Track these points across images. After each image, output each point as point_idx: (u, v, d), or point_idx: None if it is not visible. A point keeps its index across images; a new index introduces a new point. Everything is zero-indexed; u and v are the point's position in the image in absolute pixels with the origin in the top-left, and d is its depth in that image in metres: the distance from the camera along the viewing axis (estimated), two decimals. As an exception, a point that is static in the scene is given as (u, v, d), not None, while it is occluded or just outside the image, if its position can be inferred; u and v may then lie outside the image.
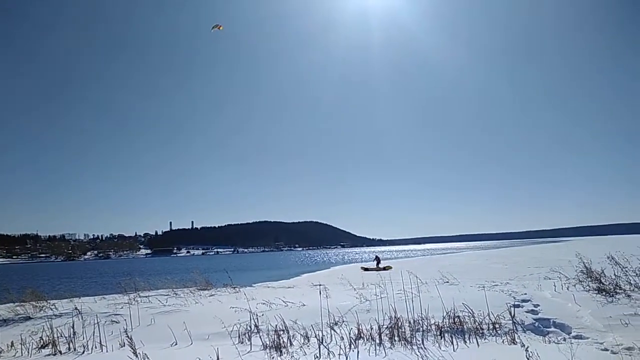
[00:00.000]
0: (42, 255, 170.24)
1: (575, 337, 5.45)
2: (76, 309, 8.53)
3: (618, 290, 7.37)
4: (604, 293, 7.37)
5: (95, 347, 6.09)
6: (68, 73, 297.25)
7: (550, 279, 10.24)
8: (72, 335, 6.33)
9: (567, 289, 8.29)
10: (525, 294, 7.99)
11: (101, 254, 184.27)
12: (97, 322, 7.06)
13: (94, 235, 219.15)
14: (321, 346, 5.23)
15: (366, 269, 25.55)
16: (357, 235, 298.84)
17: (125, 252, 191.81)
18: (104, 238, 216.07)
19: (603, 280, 8.06)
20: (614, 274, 8.44)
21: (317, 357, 4.93)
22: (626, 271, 8.63)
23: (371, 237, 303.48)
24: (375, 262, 26.95)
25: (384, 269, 24.74)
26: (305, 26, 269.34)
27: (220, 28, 13.01)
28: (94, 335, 6.41)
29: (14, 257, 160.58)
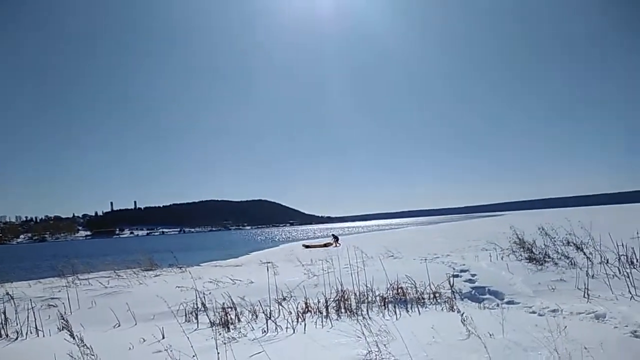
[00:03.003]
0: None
1: (508, 303, 5.89)
2: (8, 294, 7.93)
3: (547, 259, 8.01)
4: (534, 262, 7.99)
5: (31, 333, 5.75)
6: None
7: (486, 250, 10.92)
8: (3, 321, 5.93)
9: (502, 259, 8.89)
10: (464, 264, 8.47)
11: (36, 237, 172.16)
12: (32, 307, 6.64)
13: (27, 217, 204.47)
14: (269, 321, 5.25)
15: (307, 246, 25.25)
16: (306, 213, 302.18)
17: (62, 235, 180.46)
18: (38, 220, 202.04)
19: (534, 250, 8.73)
20: (544, 244, 9.16)
21: (264, 331, 4.96)
22: (554, 241, 9.40)
23: (320, 215, 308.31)
24: (333, 239, 27.12)
25: (325, 245, 25.00)
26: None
27: None
28: (28, 320, 6.02)
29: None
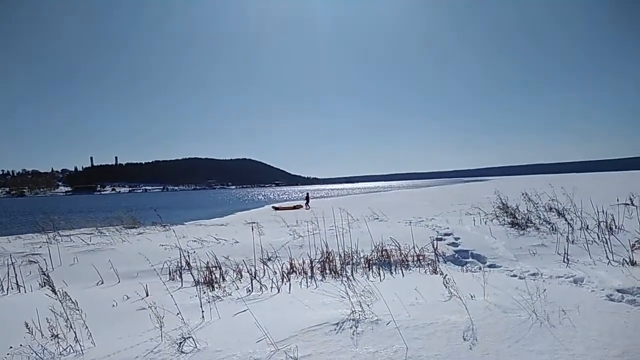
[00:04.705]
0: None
1: (490, 266, 6.02)
2: (-14, 249, 7.82)
3: (529, 224, 8.16)
4: (516, 227, 8.14)
5: (12, 288, 5.67)
6: None
7: (470, 214, 11.08)
8: (-16, 277, 5.83)
9: (485, 223, 9.04)
10: (448, 228, 8.60)
11: (14, 192, 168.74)
12: (13, 263, 6.55)
13: (3, 170, 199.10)
14: (254, 280, 5.26)
15: (277, 208, 24.85)
16: (292, 173, 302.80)
17: (42, 190, 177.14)
18: (15, 174, 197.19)
19: (517, 215, 8.88)
20: (527, 210, 9.31)
21: (249, 290, 4.97)
22: (537, 207, 9.55)
23: (306, 176, 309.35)
24: (305, 201, 26.92)
25: (295, 207, 24.68)
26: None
27: None
28: (8, 275, 5.93)
29: None
